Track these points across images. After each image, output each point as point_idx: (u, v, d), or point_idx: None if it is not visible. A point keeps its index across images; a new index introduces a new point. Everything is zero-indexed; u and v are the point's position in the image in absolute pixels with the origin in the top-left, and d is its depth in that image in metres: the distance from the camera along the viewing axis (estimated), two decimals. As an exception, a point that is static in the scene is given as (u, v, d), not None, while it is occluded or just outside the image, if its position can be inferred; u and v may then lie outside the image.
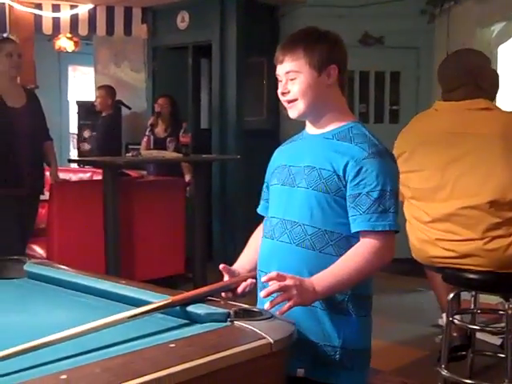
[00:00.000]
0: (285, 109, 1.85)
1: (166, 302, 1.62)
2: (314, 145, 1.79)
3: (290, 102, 1.79)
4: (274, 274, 1.61)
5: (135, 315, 1.56)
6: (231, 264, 1.89)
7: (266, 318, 1.55)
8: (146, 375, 1.21)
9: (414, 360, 3.68)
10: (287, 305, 1.59)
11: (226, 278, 1.80)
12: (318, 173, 1.73)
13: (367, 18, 6.00)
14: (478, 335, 3.23)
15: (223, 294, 1.76)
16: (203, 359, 1.31)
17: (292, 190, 1.78)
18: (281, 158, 1.89)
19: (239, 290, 1.80)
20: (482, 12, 5.51)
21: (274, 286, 1.60)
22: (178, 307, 1.65)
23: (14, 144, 4.00)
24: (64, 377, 1.17)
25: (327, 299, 1.71)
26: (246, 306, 1.63)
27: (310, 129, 1.85)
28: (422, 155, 2.88)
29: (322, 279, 1.65)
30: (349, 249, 1.70)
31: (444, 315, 3.31)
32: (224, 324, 1.54)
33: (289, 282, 1.60)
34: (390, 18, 5.95)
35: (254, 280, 1.82)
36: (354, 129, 1.76)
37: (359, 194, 1.68)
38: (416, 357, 3.72)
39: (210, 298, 1.69)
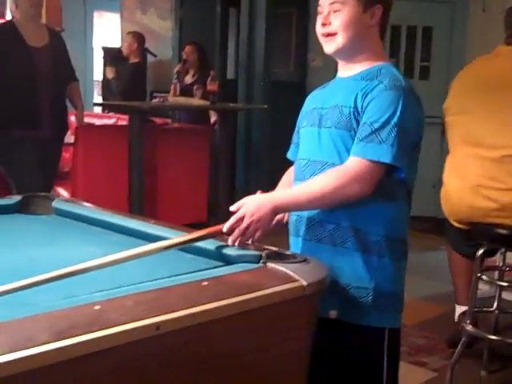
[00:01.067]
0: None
1: (202, 234, 1.61)
2: (342, 86, 1.76)
3: (329, 34, 1.73)
4: (231, 222, 1.60)
5: (171, 245, 1.54)
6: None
7: (299, 261, 1.53)
8: (179, 310, 1.19)
9: (436, 316, 3.68)
10: (250, 239, 1.60)
11: None
12: (340, 110, 1.70)
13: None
14: (504, 295, 3.18)
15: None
16: (236, 298, 1.30)
17: (319, 131, 1.76)
18: (312, 101, 1.87)
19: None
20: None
21: (232, 238, 1.59)
22: (210, 249, 1.63)
23: (35, 85, 3.93)
24: (98, 307, 1.16)
25: (361, 240, 1.68)
26: (278, 248, 1.61)
27: (341, 72, 1.81)
28: (475, 99, 2.82)
29: (282, 199, 1.65)
30: (379, 189, 1.65)
31: (458, 308, 3.18)
32: (256, 265, 1.52)
33: (245, 223, 1.58)
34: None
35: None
36: (383, 69, 1.72)
37: (364, 122, 1.65)
38: (439, 313, 3.72)
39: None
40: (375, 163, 1.61)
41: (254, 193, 1.71)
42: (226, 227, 1.60)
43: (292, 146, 1.94)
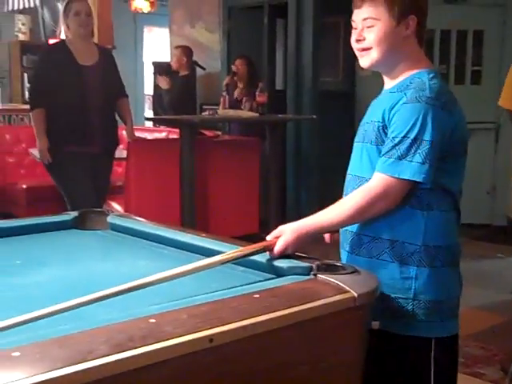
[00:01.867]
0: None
1: (259, 247, 1.64)
2: (382, 100, 1.77)
3: (363, 50, 1.74)
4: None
5: (229, 259, 1.58)
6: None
7: (350, 273, 1.54)
8: (232, 323, 1.22)
9: (492, 326, 3.60)
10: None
11: None
12: (373, 126, 1.73)
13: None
14: None
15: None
16: (288, 310, 1.32)
17: (362, 146, 1.78)
18: (365, 115, 1.88)
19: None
20: None
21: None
22: (260, 261, 1.66)
23: (85, 102, 4.02)
24: (153, 320, 1.20)
25: (397, 251, 1.69)
26: (329, 260, 1.62)
27: (385, 83, 1.82)
28: None
29: (315, 225, 1.69)
30: (414, 199, 1.67)
31: None
32: (307, 277, 1.53)
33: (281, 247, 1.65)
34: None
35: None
36: (415, 78, 1.70)
37: (388, 137, 1.67)
38: (495, 322, 3.64)
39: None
40: (396, 179, 1.63)
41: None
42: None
43: None
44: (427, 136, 1.62)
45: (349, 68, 6.24)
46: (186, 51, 6.27)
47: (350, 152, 1.86)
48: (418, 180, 1.63)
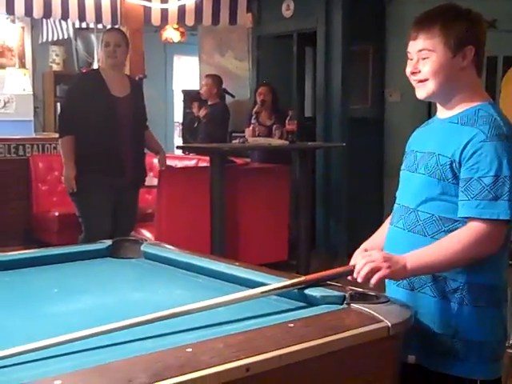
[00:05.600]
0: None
1: (299, 280, 1.66)
2: (440, 130, 1.74)
3: (419, 81, 1.73)
4: (358, 258, 1.65)
5: (269, 290, 1.60)
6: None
7: (383, 302, 1.54)
8: (267, 352, 1.23)
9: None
10: (377, 275, 1.59)
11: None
12: (437, 159, 1.68)
13: (480, 0, 5.78)
14: None
15: (349, 278, 1.69)
16: (322, 340, 1.33)
17: (412, 176, 1.76)
18: (412, 142, 1.86)
19: None
20: None
21: (360, 263, 1.61)
22: (293, 290, 1.67)
23: (117, 133, 4.02)
24: (189, 350, 1.22)
25: (439, 287, 1.67)
26: (362, 289, 1.62)
27: (440, 112, 1.79)
28: None
29: (416, 257, 1.63)
30: None
31: None
32: (340, 306, 1.54)
33: (375, 254, 1.62)
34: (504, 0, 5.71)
35: None
36: (481, 111, 1.67)
37: (471, 178, 1.61)
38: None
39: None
40: (495, 221, 1.58)
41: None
42: (356, 275, 1.63)
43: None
44: None
45: (378, 95, 6.25)
46: (215, 80, 6.34)
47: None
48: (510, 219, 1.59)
